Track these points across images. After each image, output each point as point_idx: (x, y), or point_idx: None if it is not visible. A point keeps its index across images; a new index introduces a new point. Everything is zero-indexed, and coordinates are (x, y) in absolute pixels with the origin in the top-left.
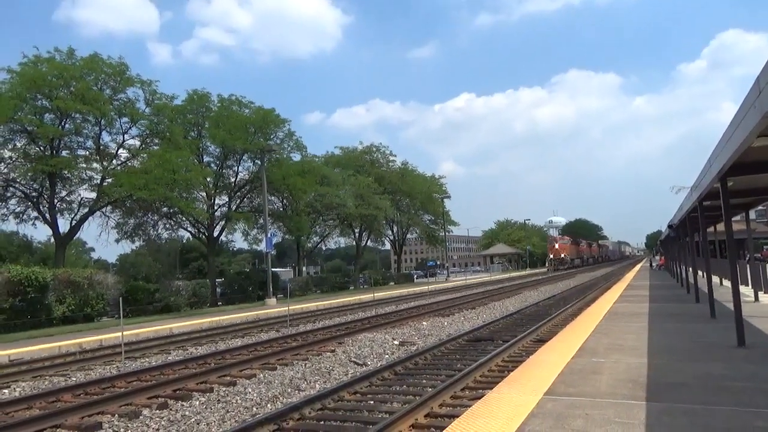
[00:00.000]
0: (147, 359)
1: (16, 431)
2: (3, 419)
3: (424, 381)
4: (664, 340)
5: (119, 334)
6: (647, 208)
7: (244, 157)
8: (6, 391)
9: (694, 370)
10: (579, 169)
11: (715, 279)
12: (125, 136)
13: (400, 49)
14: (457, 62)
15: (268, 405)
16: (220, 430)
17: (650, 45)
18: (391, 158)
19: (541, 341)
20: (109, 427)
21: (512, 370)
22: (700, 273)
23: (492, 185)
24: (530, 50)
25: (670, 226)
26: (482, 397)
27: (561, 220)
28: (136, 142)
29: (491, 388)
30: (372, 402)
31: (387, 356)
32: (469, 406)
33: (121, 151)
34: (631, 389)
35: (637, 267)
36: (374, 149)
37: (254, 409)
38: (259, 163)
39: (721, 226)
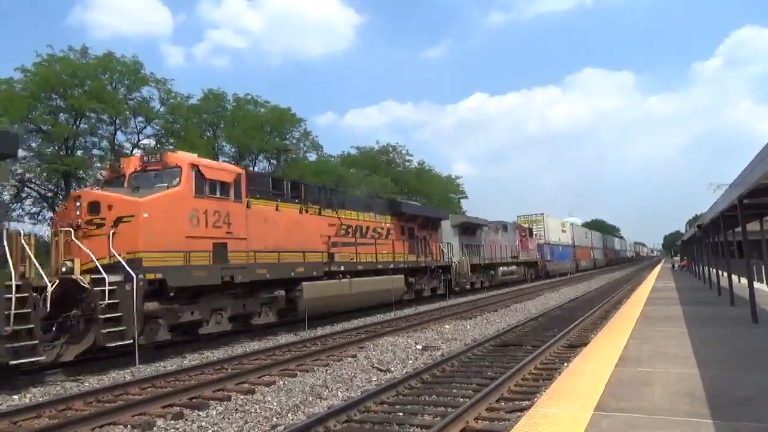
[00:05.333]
0: (162, 363)
1: None
2: (11, 429)
3: (455, 390)
4: (710, 348)
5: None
6: (664, 209)
7: (259, 157)
8: (16, 397)
9: (753, 382)
10: (593, 168)
11: (735, 279)
12: (140, 135)
13: (412, 50)
14: (470, 62)
15: (289, 415)
16: None
17: (664, 43)
18: (408, 158)
19: (573, 347)
20: None
21: (548, 379)
22: (722, 273)
23: (506, 186)
24: (544, 49)
25: (698, 226)
26: (520, 409)
27: (577, 221)
28: (151, 142)
29: (528, 399)
30: (401, 414)
31: (411, 362)
32: (508, 420)
33: (135, 151)
34: (691, 404)
35: (657, 268)
36: (390, 149)
37: (274, 419)
38: (275, 162)
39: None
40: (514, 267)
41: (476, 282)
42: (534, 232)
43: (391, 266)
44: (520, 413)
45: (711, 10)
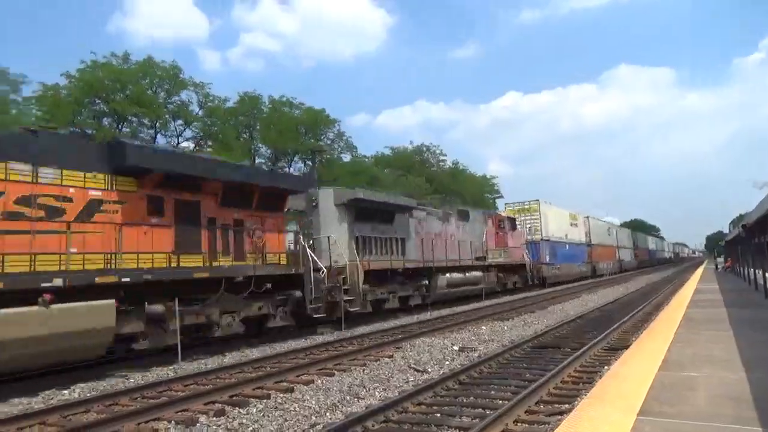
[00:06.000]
0: (203, 361)
1: None
2: (61, 422)
3: (493, 392)
4: (757, 351)
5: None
6: (706, 209)
7: (295, 158)
8: (66, 392)
9: None
10: (631, 167)
11: None
12: (179, 138)
13: (444, 49)
14: (503, 61)
15: (327, 414)
16: None
17: (703, 38)
18: (442, 158)
19: (614, 350)
20: None
21: (588, 382)
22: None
23: (541, 184)
24: (579, 46)
25: (743, 226)
26: (560, 412)
27: (614, 221)
28: (190, 145)
29: (569, 403)
30: (439, 415)
31: (447, 363)
32: (548, 423)
33: None
34: (737, 409)
35: (700, 270)
36: (424, 149)
37: (313, 418)
38: (310, 164)
39: None
40: (477, 273)
41: (388, 299)
42: (528, 225)
43: (50, 285)
44: (560, 417)
45: (753, 3)
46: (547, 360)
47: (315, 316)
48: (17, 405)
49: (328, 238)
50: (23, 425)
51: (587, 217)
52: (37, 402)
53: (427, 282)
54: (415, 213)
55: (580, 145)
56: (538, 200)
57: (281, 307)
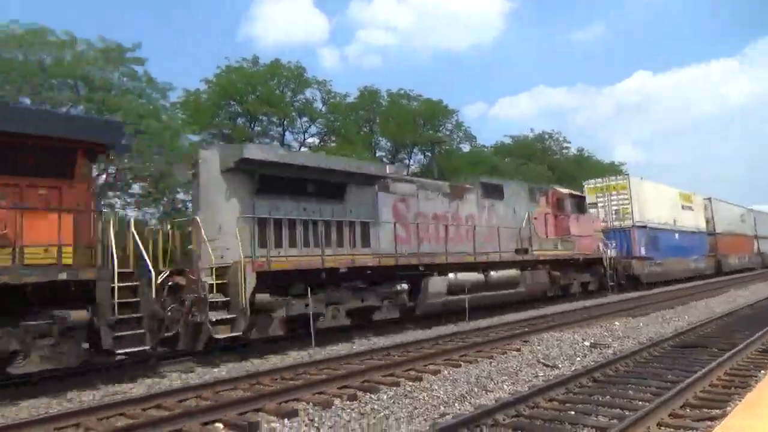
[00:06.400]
0: (333, 347)
1: (225, 412)
2: (213, 397)
3: (630, 392)
4: None
5: None
6: None
7: (414, 150)
8: (216, 370)
9: None
10: None
11: None
12: (305, 134)
13: (565, 32)
14: (628, 40)
15: (456, 404)
16: (410, 427)
17: None
18: (566, 145)
19: None
20: (305, 415)
21: (742, 387)
22: None
23: (675, 170)
24: (718, 17)
25: None
26: (710, 418)
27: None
28: (315, 140)
29: (719, 408)
30: (573, 413)
31: (578, 359)
32: (695, 429)
33: (302, 149)
34: None
35: None
36: (547, 136)
37: (441, 407)
38: (430, 155)
39: None
40: (511, 271)
41: (323, 315)
42: (614, 207)
43: None
44: (710, 422)
45: None
46: (692, 360)
47: (118, 351)
48: (176, 380)
49: (194, 220)
50: (183, 398)
51: (709, 198)
52: (192, 378)
53: (407, 286)
54: (392, 186)
55: (724, 128)
56: (627, 175)
57: (42, 339)
